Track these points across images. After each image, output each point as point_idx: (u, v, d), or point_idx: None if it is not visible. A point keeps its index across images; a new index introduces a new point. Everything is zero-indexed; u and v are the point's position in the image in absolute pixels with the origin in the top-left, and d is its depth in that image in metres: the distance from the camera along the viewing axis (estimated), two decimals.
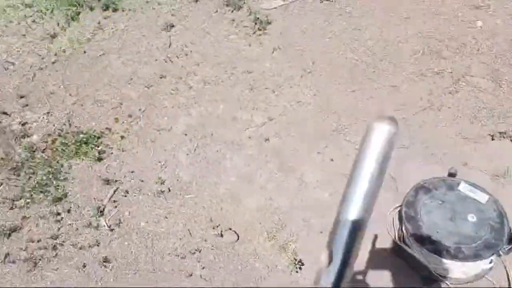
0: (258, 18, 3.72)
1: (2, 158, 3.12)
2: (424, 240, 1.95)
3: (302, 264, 2.26)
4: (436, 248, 1.92)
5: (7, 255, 2.67)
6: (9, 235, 2.75)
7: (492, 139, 2.57)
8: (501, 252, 1.92)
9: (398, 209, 2.20)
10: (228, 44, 3.65)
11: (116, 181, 2.88)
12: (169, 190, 2.76)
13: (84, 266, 2.52)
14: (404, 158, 2.59)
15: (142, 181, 2.85)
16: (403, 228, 2.07)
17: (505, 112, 2.69)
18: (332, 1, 3.78)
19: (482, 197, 2.02)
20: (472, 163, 2.48)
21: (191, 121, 3.14)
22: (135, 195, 2.78)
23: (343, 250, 0.53)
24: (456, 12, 3.45)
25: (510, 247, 1.97)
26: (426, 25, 3.37)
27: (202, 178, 2.78)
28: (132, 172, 2.91)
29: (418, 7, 3.52)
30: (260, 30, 3.68)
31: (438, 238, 1.94)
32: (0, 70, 3.98)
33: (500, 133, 2.56)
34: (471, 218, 1.97)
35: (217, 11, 4.00)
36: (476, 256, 1.87)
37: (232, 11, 3.94)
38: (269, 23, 3.73)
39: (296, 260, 2.26)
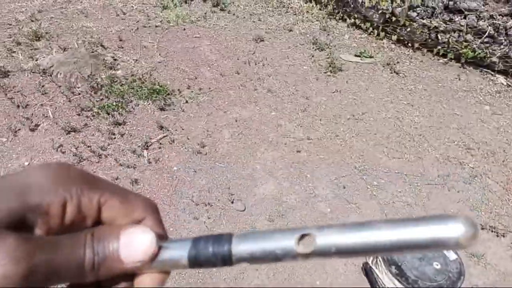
0: (334, 62, 4.26)
1: (88, 76, 3.71)
2: (391, 264, 2.32)
3: None
4: (399, 273, 2.28)
5: (61, 145, 3.19)
6: (69, 132, 3.28)
7: (482, 229, 2.92)
8: None
9: None
10: (300, 72, 4.20)
11: (168, 130, 3.39)
12: (206, 154, 3.24)
13: (117, 179, 3.00)
14: (404, 211, 2.98)
15: (188, 138, 3.34)
16: None
17: (503, 215, 3.04)
18: (401, 76, 4.29)
19: (451, 255, 2.38)
20: None
21: (244, 113, 3.65)
22: (178, 146, 3.28)
23: None
24: (500, 127, 3.86)
25: None
26: (470, 125, 3.79)
27: (235, 156, 3.25)
28: (183, 129, 3.42)
29: (470, 110, 3.97)
30: (331, 72, 4.21)
31: (403, 266, 2.30)
32: (112, 14, 4.69)
33: (490, 226, 2.91)
34: (436, 265, 2.32)
35: (303, 44, 4.59)
36: None
37: (315, 49, 4.51)
38: (340, 70, 4.26)
39: None
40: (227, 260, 0.30)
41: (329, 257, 0.29)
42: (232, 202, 2.90)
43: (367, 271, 2.52)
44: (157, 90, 3.65)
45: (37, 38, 4.11)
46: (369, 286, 2.50)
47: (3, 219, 0.26)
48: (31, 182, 0.28)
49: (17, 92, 3.55)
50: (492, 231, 2.91)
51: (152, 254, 0.30)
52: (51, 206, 0.28)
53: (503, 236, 2.87)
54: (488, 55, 4.18)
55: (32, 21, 4.38)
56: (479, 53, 4.19)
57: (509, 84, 4.27)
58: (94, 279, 0.29)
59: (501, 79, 4.28)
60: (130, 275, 0.32)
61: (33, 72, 3.72)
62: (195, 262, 0.30)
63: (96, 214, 0.30)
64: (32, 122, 3.31)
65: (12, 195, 0.27)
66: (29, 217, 0.27)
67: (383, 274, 2.37)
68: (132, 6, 4.83)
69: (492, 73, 4.31)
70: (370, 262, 2.52)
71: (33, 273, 0.26)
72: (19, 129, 3.28)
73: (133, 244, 0.30)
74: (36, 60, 3.83)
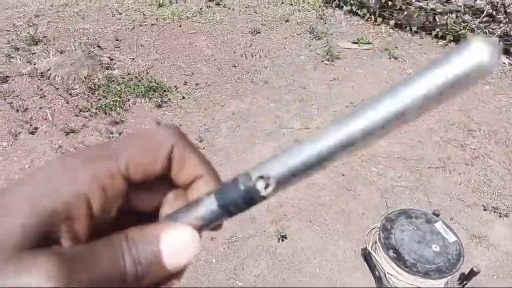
0: (331, 51, 4.23)
1: (85, 77, 3.74)
2: (389, 248, 2.30)
3: (285, 238, 2.65)
4: (397, 257, 2.26)
5: (60, 147, 3.22)
6: (68, 133, 3.31)
7: (484, 210, 2.88)
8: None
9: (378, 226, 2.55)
10: (297, 62, 4.18)
11: None
12: (203, 148, 3.25)
13: None
14: (404, 196, 2.95)
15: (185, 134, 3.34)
16: (377, 237, 2.43)
17: (505, 195, 3.00)
18: (400, 60, 4.25)
19: (451, 237, 2.35)
20: (459, 220, 2.80)
21: (241, 105, 3.64)
22: None
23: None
24: (502, 107, 3.80)
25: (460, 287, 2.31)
26: (471, 106, 3.74)
27: (233, 149, 3.25)
28: (180, 125, 3.43)
29: (470, 91, 3.91)
30: (329, 61, 4.18)
31: (401, 250, 2.28)
32: (109, 14, 4.71)
33: (493, 207, 2.87)
34: (435, 248, 2.30)
35: (300, 34, 4.56)
36: (425, 274, 2.19)
37: (312, 39, 4.48)
38: (338, 58, 4.23)
39: (281, 233, 2.64)
40: (257, 197, 0.27)
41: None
42: None
43: (366, 257, 2.51)
44: (153, 88, 3.66)
45: (35, 43, 4.15)
46: (368, 272, 2.49)
47: (23, 237, 0.22)
48: (39, 184, 0.24)
49: (16, 96, 3.59)
50: (494, 212, 2.87)
51: (196, 253, 0.27)
52: (72, 208, 0.24)
53: (506, 216, 2.83)
54: (488, 35, 4.11)
55: (30, 26, 4.42)
56: (479, 33, 4.12)
57: (511, 62, 4.20)
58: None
59: (502, 58, 4.21)
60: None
61: (31, 76, 3.75)
62: (228, 211, 0.28)
63: (124, 184, 0.26)
64: (31, 125, 3.35)
65: (24, 206, 0.23)
66: (50, 227, 0.24)
67: (381, 259, 2.35)
68: (128, 6, 4.84)
69: None
70: (369, 248, 2.50)
71: None
72: (19, 133, 3.31)
73: (177, 249, 0.26)
74: (34, 64, 3.87)
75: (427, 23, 4.36)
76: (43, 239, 0.23)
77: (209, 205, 0.28)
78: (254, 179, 0.27)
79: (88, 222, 0.25)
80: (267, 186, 0.27)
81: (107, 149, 0.26)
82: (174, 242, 0.26)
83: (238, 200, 0.27)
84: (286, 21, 4.74)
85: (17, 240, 0.22)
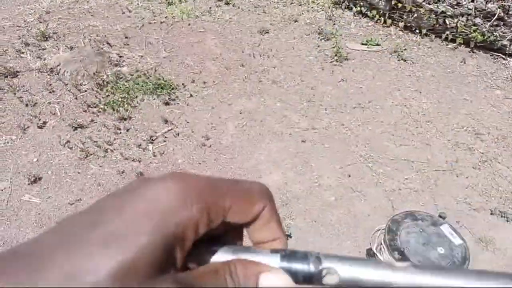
0: (339, 52, 4.22)
1: (94, 73, 3.76)
2: (394, 250, 2.29)
3: (290, 237, 2.64)
4: (402, 259, 2.25)
5: (68, 141, 3.24)
6: (75, 128, 3.33)
7: (491, 214, 2.86)
8: None
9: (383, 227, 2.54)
10: (305, 62, 4.17)
11: (172, 123, 3.41)
12: (210, 146, 3.25)
13: (123, 172, 3.03)
14: (410, 198, 2.94)
15: (192, 131, 3.36)
16: (382, 238, 2.42)
17: None
18: (408, 63, 4.23)
19: (457, 240, 2.33)
20: (466, 223, 2.78)
21: (249, 104, 3.64)
22: (183, 139, 3.29)
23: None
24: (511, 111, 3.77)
25: None
26: (480, 110, 3.72)
27: (239, 148, 3.25)
28: (188, 122, 3.44)
29: (480, 95, 3.88)
30: (337, 61, 4.16)
31: (406, 252, 2.27)
32: (118, 12, 4.73)
33: (500, 212, 2.84)
34: (440, 250, 2.28)
35: (309, 34, 4.56)
36: None
37: (321, 40, 4.47)
38: (346, 59, 4.22)
39: (286, 232, 2.64)
40: (316, 282, 0.30)
41: None
42: None
43: (371, 257, 2.49)
44: (162, 85, 3.67)
45: (45, 39, 4.18)
46: None
47: (152, 258, 0.24)
48: (162, 206, 0.26)
49: (26, 91, 3.62)
50: (502, 216, 2.84)
51: None
52: (186, 230, 0.27)
53: None
54: (498, 38, 4.08)
55: (40, 22, 4.46)
56: (489, 37, 4.09)
57: None
58: None
59: (511, 62, 4.17)
60: None
61: (40, 72, 3.78)
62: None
63: (221, 220, 0.30)
64: (40, 119, 3.37)
65: (148, 225, 0.25)
66: (171, 247, 0.26)
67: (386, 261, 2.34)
68: (137, 4, 4.86)
69: (504, 56, 4.21)
70: (374, 249, 2.49)
71: None
72: (28, 127, 3.34)
73: None
74: (44, 60, 3.89)
75: (437, 25, 4.33)
76: (164, 259, 0.25)
77: (273, 262, 0.30)
78: (322, 267, 0.29)
79: (192, 244, 0.28)
80: (330, 278, 0.29)
81: (218, 188, 0.30)
82: (269, 283, 0.29)
83: (298, 275, 0.30)
84: (295, 21, 4.74)
85: (148, 261, 0.24)
